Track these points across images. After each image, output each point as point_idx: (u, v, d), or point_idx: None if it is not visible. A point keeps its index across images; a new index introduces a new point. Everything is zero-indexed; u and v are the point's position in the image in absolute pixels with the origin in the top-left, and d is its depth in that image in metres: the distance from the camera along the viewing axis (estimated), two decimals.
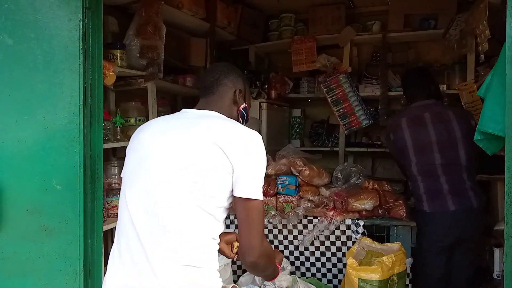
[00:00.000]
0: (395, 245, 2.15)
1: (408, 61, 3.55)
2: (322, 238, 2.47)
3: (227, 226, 2.57)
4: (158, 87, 2.52)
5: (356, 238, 2.38)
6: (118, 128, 2.20)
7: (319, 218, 2.46)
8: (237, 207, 1.25)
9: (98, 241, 1.64)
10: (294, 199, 2.50)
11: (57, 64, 1.57)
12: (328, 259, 2.47)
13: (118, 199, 2.08)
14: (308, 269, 2.51)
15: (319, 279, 2.46)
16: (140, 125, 2.31)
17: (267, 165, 1.92)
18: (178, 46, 3.12)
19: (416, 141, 2.34)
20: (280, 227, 2.53)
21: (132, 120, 2.31)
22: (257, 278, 2.17)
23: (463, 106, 2.91)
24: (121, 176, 1.41)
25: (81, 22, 1.57)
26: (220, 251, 1.38)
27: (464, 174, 2.28)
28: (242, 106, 1.43)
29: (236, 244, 1.39)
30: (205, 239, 1.23)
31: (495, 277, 2.37)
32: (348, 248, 2.34)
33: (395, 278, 1.99)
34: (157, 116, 2.44)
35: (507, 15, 1.37)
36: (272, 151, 2.66)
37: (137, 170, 1.30)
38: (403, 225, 2.43)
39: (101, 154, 1.67)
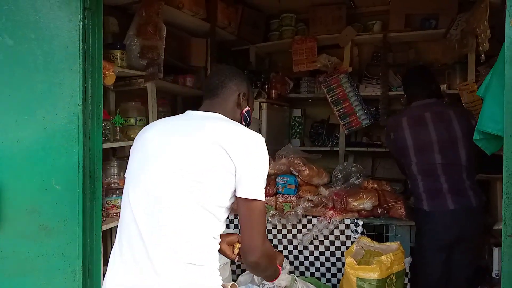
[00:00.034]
0: (394, 245, 2.15)
1: (408, 61, 3.54)
2: (321, 237, 2.48)
3: (226, 226, 2.58)
4: (158, 87, 2.53)
5: (355, 237, 2.39)
6: (118, 128, 2.21)
7: (318, 217, 2.47)
8: (239, 208, 1.26)
9: (97, 241, 1.65)
10: (293, 199, 2.50)
11: (57, 65, 1.58)
12: (327, 259, 2.48)
13: (118, 199, 2.12)
14: (307, 269, 2.52)
15: (318, 278, 2.47)
16: (140, 125, 2.35)
17: None
18: (178, 46, 3.13)
19: (416, 141, 2.34)
20: (279, 226, 2.54)
21: (132, 120, 2.31)
22: (256, 278, 2.18)
23: (464, 106, 2.91)
24: (125, 175, 1.42)
25: (81, 23, 1.57)
26: (221, 252, 1.40)
27: (463, 174, 2.28)
28: (245, 109, 1.46)
29: (238, 245, 1.41)
30: (206, 238, 1.25)
31: (494, 276, 2.37)
32: (347, 247, 2.34)
33: (394, 277, 1.99)
34: (157, 116, 2.47)
35: (506, 15, 1.37)
36: (272, 151, 2.66)
37: (139, 170, 1.32)
38: (402, 225, 2.43)
39: (100, 154, 1.67)
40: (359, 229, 2.42)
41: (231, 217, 2.54)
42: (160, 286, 1.20)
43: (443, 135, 2.29)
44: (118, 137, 2.22)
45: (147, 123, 2.40)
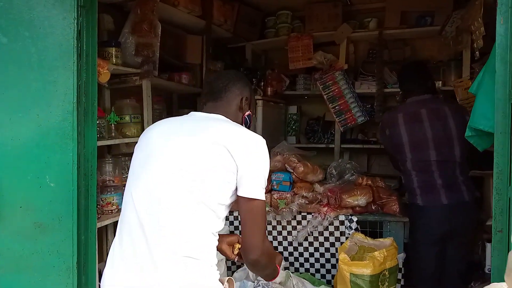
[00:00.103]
0: (387, 241, 2.17)
1: (404, 58, 3.55)
2: (315, 234, 2.50)
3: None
4: (153, 84, 2.53)
5: (349, 233, 2.41)
6: (113, 125, 2.21)
7: (313, 214, 2.49)
8: (240, 207, 1.29)
9: (92, 238, 1.65)
10: (288, 196, 2.52)
11: (52, 62, 1.58)
12: (322, 255, 2.50)
13: (113, 196, 2.13)
14: (301, 265, 2.54)
15: (313, 275, 2.49)
16: (134, 122, 2.35)
17: None
18: (174, 43, 3.12)
19: (412, 138, 2.35)
20: (274, 223, 2.55)
21: (127, 118, 2.32)
22: (250, 274, 2.20)
23: (458, 102, 2.92)
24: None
25: (76, 21, 1.58)
26: (222, 252, 1.44)
27: (457, 170, 2.30)
28: (247, 113, 1.50)
29: (238, 245, 1.45)
30: (205, 234, 1.27)
31: (487, 271, 2.39)
32: (342, 243, 2.36)
33: (387, 273, 2.01)
34: (152, 114, 2.47)
35: (497, 13, 1.39)
36: (267, 148, 2.66)
37: (140, 169, 1.34)
38: (396, 221, 2.45)
39: (95, 151, 1.68)
40: (353, 225, 2.43)
41: (231, 217, 2.57)
42: (160, 286, 1.22)
43: (439, 132, 2.31)
44: (113, 134, 2.22)
45: (142, 120, 2.41)
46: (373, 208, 2.48)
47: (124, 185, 2.20)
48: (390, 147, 2.53)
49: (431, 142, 2.31)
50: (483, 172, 2.55)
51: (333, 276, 2.45)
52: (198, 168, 1.26)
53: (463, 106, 2.72)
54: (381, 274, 1.99)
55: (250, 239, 1.28)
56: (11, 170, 1.55)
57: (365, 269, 1.94)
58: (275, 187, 2.56)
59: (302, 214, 2.52)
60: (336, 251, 2.42)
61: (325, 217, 2.43)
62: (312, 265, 2.52)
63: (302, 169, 2.52)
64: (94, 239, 1.68)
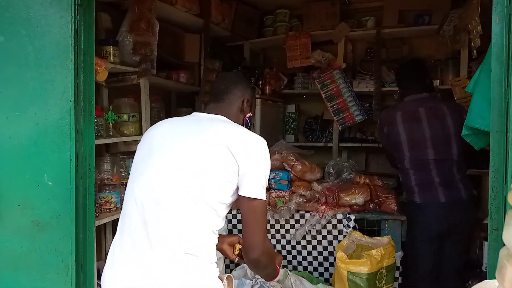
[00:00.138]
0: (385, 239, 2.18)
1: (402, 56, 3.55)
2: (313, 232, 2.50)
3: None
4: (151, 83, 2.53)
5: (347, 232, 2.41)
6: (111, 124, 2.22)
7: (311, 212, 2.49)
8: (241, 206, 1.31)
9: (90, 236, 1.66)
10: (286, 194, 2.52)
11: (49, 61, 1.58)
12: (320, 253, 2.50)
13: (111, 195, 2.13)
14: (300, 263, 2.54)
15: (311, 273, 2.50)
16: (132, 121, 2.35)
17: None
18: (172, 42, 3.12)
19: (410, 137, 2.35)
20: (272, 221, 2.56)
21: (125, 116, 2.32)
22: (249, 272, 2.20)
23: (456, 101, 2.93)
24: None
25: (73, 19, 1.58)
26: (222, 252, 1.47)
27: (454, 168, 2.31)
28: (248, 115, 1.52)
29: (238, 246, 1.47)
30: (205, 232, 1.28)
31: (484, 269, 2.40)
32: (339, 242, 2.37)
33: (384, 271, 2.02)
34: (150, 113, 2.47)
35: (493, 12, 1.39)
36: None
37: (142, 167, 1.35)
38: (393, 219, 2.46)
39: (92, 150, 1.68)
40: (351, 223, 2.44)
41: (229, 217, 2.58)
42: (160, 285, 1.22)
43: (437, 131, 2.31)
44: (111, 133, 2.23)
45: (140, 119, 2.41)
46: (371, 206, 2.49)
47: (122, 184, 2.24)
48: (388, 145, 2.53)
49: (429, 141, 2.31)
50: (481, 170, 2.56)
51: (331, 274, 2.45)
52: (197, 168, 1.27)
53: (461, 104, 2.72)
54: (379, 272, 2.00)
55: (251, 238, 1.30)
56: (9, 169, 1.56)
57: (363, 267, 1.95)
58: (273, 185, 2.57)
59: (300, 212, 2.53)
60: (334, 250, 2.43)
61: (323, 215, 2.44)
62: (310, 263, 2.52)
63: (300, 167, 2.52)
64: (93, 237, 1.68)
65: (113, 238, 1.37)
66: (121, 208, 2.15)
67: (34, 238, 1.55)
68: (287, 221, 2.54)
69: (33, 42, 1.57)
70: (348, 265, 1.97)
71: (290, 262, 2.55)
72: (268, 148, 1.37)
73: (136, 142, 2.36)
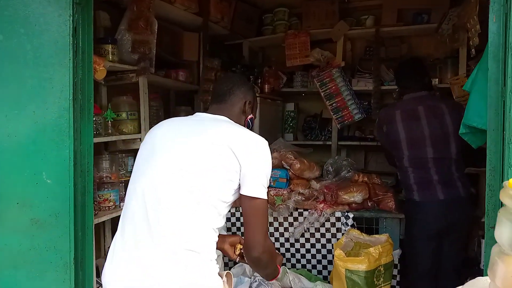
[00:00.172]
0: (383, 237, 2.18)
1: (401, 55, 3.55)
2: (312, 230, 2.51)
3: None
4: (150, 81, 2.53)
5: (345, 230, 2.42)
6: (109, 122, 2.22)
7: (309, 210, 2.50)
8: (243, 205, 1.33)
9: (89, 234, 1.67)
10: (284, 192, 2.53)
11: (47, 59, 1.59)
12: (318, 251, 2.51)
13: (110, 193, 2.14)
14: (298, 261, 2.55)
15: (309, 271, 2.50)
16: (131, 119, 2.36)
17: None
18: (170, 40, 3.12)
19: (409, 135, 2.36)
20: (271, 219, 2.57)
21: (124, 115, 2.32)
22: (247, 269, 2.21)
23: (455, 100, 2.93)
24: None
25: (71, 18, 1.59)
26: (224, 252, 1.50)
27: (453, 167, 2.32)
28: (250, 116, 1.55)
29: (239, 246, 1.49)
30: (206, 230, 1.29)
31: (482, 267, 2.41)
32: (338, 240, 2.37)
33: (382, 269, 2.02)
34: (149, 111, 2.48)
35: (490, 11, 1.40)
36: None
37: (144, 167, 1.36)
38: (391, 217, 2.47)
39: (91, 148, 1.69)
40: (350, 221, 2.45)
41: (228, 215, 2.58)
42: (160, 285, 1.23)
43: (436, 129, 2.32)
44: (110, 131, 2.23)
45: (139, 117, 2.41)
46: (369, 204, 2.49)
47: (121, 182, 2.24)
48: (387, 143, 2.54)
49: (428, 139, 2.32)
50: (478, 169, 2.57)
51: (329, 272, 2.46)
52: (199, 168, 1.29)
53: (460, 103, 2.72)
54: (376, 270, 2.00)
55: (252, 236, 1.32)
56: (7, 167, 1.56)
57: (360, 265, 1.96)
58: (272, 184, 2.57)
59: (299, 210, 2.54)
60: (332, 247, 2.43)
61: (321, 213, 2.44)
62: (308, 261, 2.53)
63: (299, 166, 2.53)
64: (91, 235, 1.69)
65: (112, 236, 1.38)
66: (120, 207, 2.18)
67: (33, 236, 1.56)
68: (285, 219, 2.55)
69: (31, 41, 1.58)
70: (346, 263, 1.97)
71: (288, 260, 2.56)
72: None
73: (135, 140, 2.38)
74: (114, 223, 2.29)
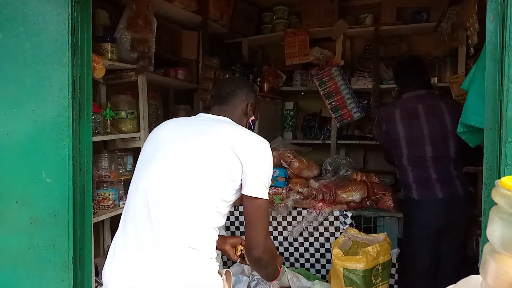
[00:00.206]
0: (381, 236, 2.19)
1: (400, 54, 3.56)
2: (311, 229, 2.52)
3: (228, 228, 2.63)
4: (149, 80, 2.53)
5: (344, 229, 2.42)
6: (109, 121, 2.22)
7: (308, 209, 2.50)
8: (244, 205, 1.34)
9: (87, 233, 1.67)
10: (283, 191, 2.53)
11: (46, 58, 1.59)
12: (317, 250, 2.52)
13: (109, 192, 2.14)
14: (297, 260, 2.56)
15: (308, 269, 2.51)
16: (130, 118, 2.36)
17: None
18: (170, 39, 3.12)
19: (409, 134, 2.36)
20: (269, 218, 2.57)
21: (123, 113, 2.32)
22: (246, 268, 2.22)
23: (454, 98, 2.94)
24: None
25: (70, 16, 1.59)
26: (225, 253, 1.51)
27: (451, 165, 2.32)
28: (251, 118, 1.56)
29: (240, 247, 1.50)
30: (207, 229, 1.30)
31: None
32: (336, 238, 2.38)
33: (380, 268, 2.03)
34: (148, 109, 2.48)
35: (487, 10, 1.40)
36: None
37: (146, 167, 1.37)
38: (390, 216, 2.47)
39: (90, 147, 1.69)
40: (348, 220, 2.45)
41: (229, 215, 2.59)
42: (160, 285, 1.24)
43: (435, 128, 2.32)
44: (109, 130, 2.23)
45: (138, 116, 2.41)
46: (368, 203, 2.50)
47: (120, 181, 2.25)
48: (386, 142, 2.54)
49: (427, 138, 2.32)
50: (476, 168, 2.57)
51: (327, 271, 2.47)
52: (201, 168, 1.30)
53: (459, 102, 2.72)
54: (374, 269, 2.01)
55: (253, 236, 1.33)
56: (6, 166, 1.57)
57: (358, 264, 1.96)
58: (271, 182, 2.58)
59: (297, 209, 2.54)
60: (331, 246, 2.44)
61: (320, 212, 2.45)
62: (307, 260, 2.54)
63: (298, 165, 2.53)
64: (90, 234, 1.69)
65: (111, 235, 1.38)
66: (119, 205, 2.18)
67: (32, 234, 1.56)
68: (284, 218, 2.55)
69: (30, 39, 1.58)
70: (344, 261, 1.98)
71: (287, 259, 2.57)
72: None
73: (134, 139, 2.38)
74: (113, 222, 2.30)
